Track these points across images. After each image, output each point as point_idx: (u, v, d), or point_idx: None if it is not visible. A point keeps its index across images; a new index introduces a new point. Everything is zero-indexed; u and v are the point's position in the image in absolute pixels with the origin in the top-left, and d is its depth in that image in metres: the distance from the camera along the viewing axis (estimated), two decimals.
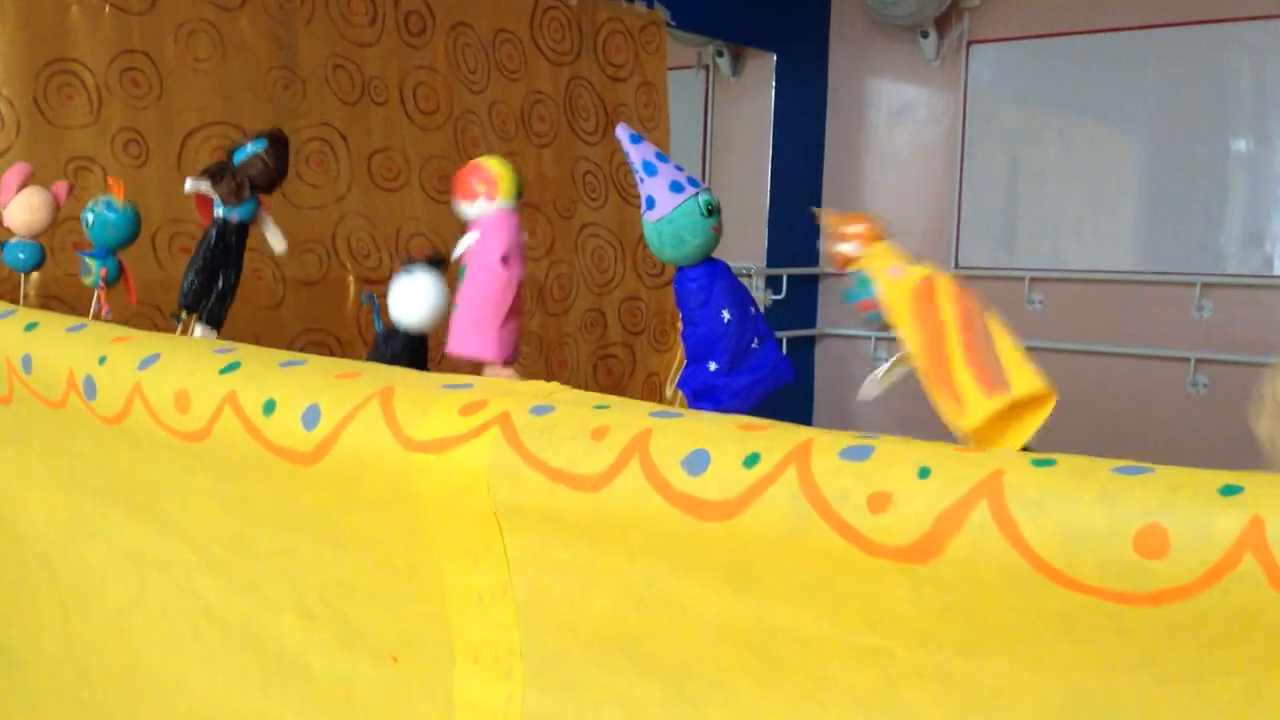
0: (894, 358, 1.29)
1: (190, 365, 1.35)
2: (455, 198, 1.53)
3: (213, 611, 1.45)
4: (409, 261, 1.61)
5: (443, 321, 1.54)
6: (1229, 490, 0.75)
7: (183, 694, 1.50)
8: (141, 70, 2.55)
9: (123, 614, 1.58)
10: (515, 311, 1.47)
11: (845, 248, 1.33)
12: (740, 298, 1.49)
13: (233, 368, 1.30)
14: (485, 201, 1.49)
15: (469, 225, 1.52)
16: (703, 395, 1.48)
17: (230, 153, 1.81)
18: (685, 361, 1.53)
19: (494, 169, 1.51)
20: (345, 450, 1.17)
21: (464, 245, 1.50)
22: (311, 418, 1.19)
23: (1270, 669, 0.78)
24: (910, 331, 1.21)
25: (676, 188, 1.47)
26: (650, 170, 1.48)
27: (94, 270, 1.85)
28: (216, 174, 1.79)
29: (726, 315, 1.47)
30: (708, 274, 1.49)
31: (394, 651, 1.27)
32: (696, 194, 1.45)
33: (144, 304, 2.54)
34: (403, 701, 1.27)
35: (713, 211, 1.46)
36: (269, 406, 1.23)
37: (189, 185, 1.78)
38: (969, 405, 1.15)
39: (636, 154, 1.49)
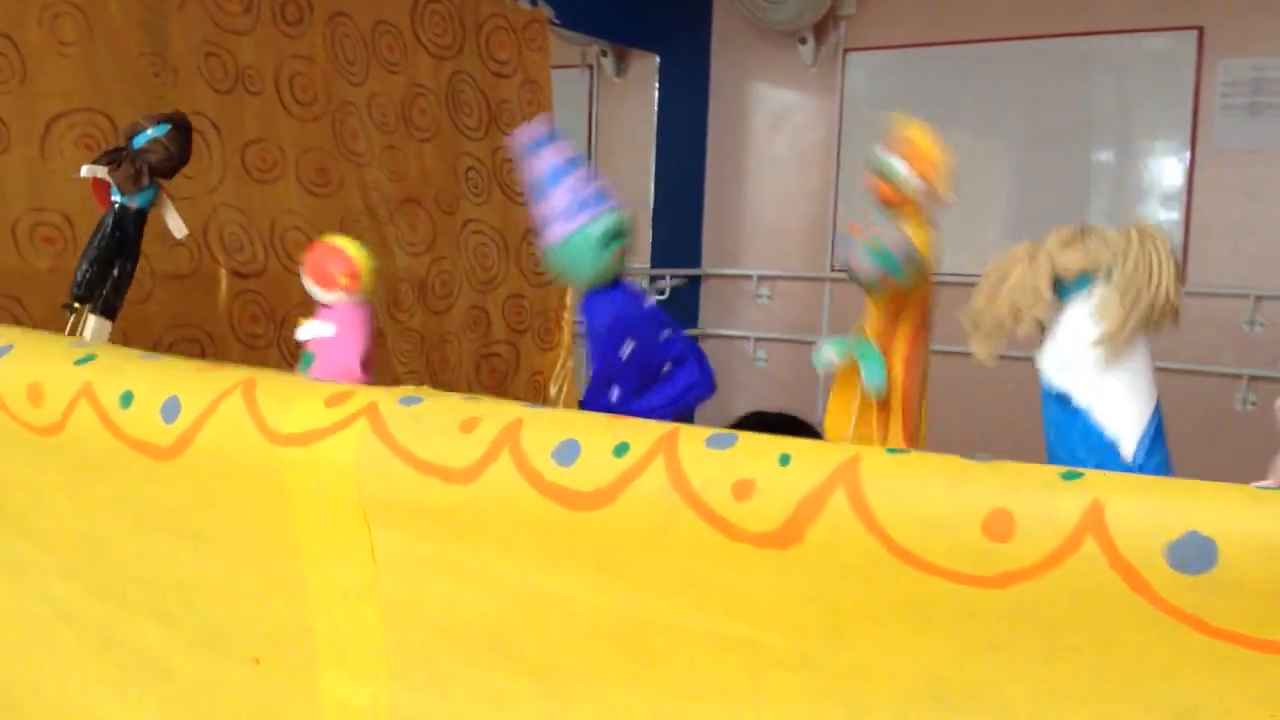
0: (853, 337, 1.24)
1: (43, 357, 1.30)
2: (307, 277, 1.41)
3: (68, 615, 1.40)
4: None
5: None
6: (1070, 476, 0.79)
7: (36, 701, 1.45)
8: (2, 53, 2.44)
9: None
10: None
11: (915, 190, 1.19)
12: (648, 325, 1.36)
13: (88, 359, 1.26)
14: (345, 295, 1.38)
15: (318, 309, 1.40)
16: None
17: (130, 137, 1.75)
18: (589, 381, 1.40)
19: (358, 261, 1.39)
20: (207, 444, 1.14)
21: (314, 332, 1.40)
22: (171, 410, 1.16)
23: (1112, 646, 0.82)
24: (901, 341, 1.19)
25: (570, 213, 1.32)
26: (547, 188, 1.33)
27: None
28: (115, 159, 1.72)
29: (627, 350, 1.34)
30: (605, 303, 1.35)
31: (256, 653, 1.24)
32: (590, 221, 1.30)
33: (3, 295, 2.44)
34: (268, 704, 1.24)
35: (617, 236, 1.30)
36: (126, 399, 1.20)
37: (85, 170, 1.73)
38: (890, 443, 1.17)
39: (536, 168, 1.33)
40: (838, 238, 1.31)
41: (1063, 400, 1.04)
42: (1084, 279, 1.04)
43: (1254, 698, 0.78)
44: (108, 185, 1.75)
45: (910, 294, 1.28)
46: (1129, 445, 1.02)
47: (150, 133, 1.74)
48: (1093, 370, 1.03)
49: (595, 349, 1.38)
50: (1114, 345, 1.00)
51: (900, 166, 1.21)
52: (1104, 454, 1.03)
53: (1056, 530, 0.77)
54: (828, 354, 1.27)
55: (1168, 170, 4.18)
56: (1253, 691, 0.78)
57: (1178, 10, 4.05)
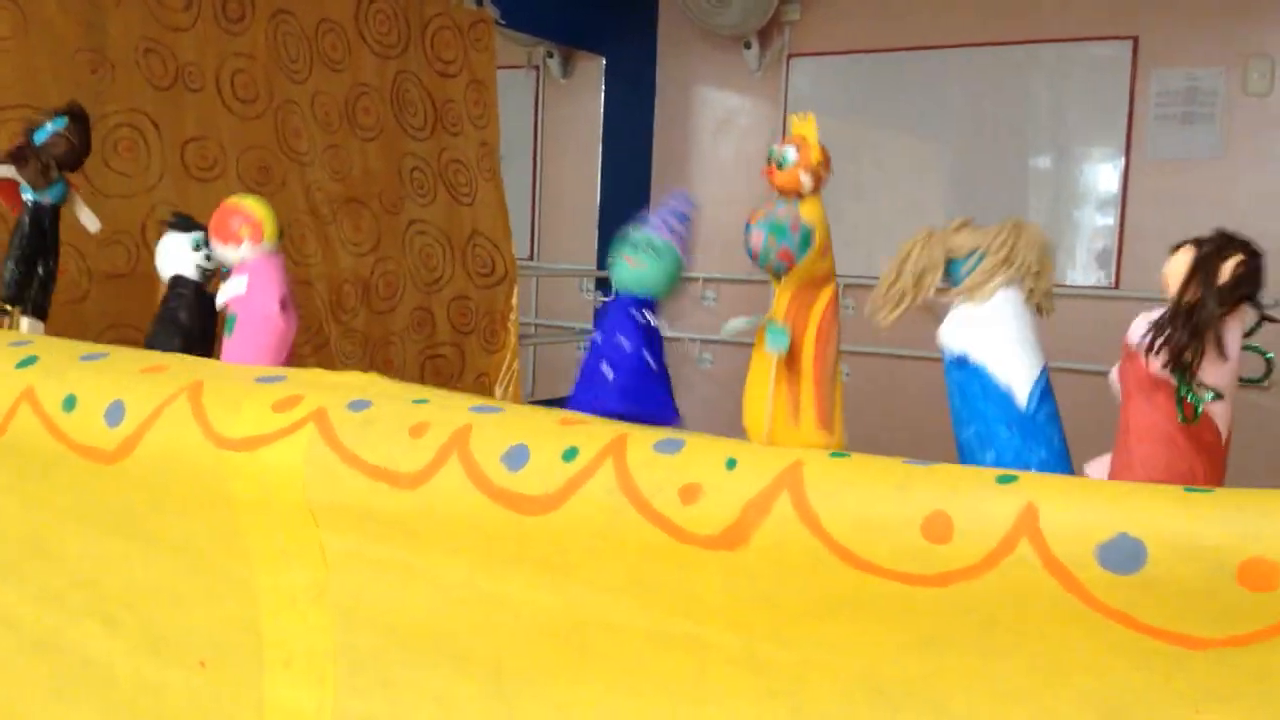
0: (764, 316, 1.35)
1: None
2: (214, 240, 1.47)
3: (5, 619, 1.38)
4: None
5: None
6: (1005, 480, 0.81)
7: None
8: None
9: None
10: (289, 360, 1.42)
11: (803, 177, 1.35)
12: None
13: (29, 362, 1.24)
14: (250, 245, 1.43)
15: (232, 269, 1.46)
16: None
17: (30, 133, 1.72)
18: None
19: (255, 211, 1.44)
20: (151, 448, 1.13)
21: (231, 292, 1.44)
22: (115, 414, 1.15)
23: (1046, 646, 0.84)
24: (812, 325, 1.30)
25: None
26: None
27: None
28: (20, 157, 1.70)
29: None
30: None
31: (202, 657, 1.23)
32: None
33: None
34: (212, 709, 1.23)
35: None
36: (69, 403, 1.18)
37: None
38: (803, 423, 1.24)
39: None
40: (745, 230, 1.40)
41: (962, 361, 1.16)
42: (968, 258, 1.20)
43: (1181, 692, 0.81)
44: (15, 185, 1.72)
45: (815, 276, 1.38)
46: (1022, 393, 1.14)
47: (50, 127, 1.71)
48: (982, 324, 1.16)
49: None
50: (975, 297, 1.17)
51: (792, 154, 1.41)
52: (1001, 402, 1.15)
53: (993, 533, 0.79)
54: (735, 323, 1.39)
55: (1103, 177, 4.26)
56: (1179, 686, 0.81)
57: (1114, 20, 4.13)
